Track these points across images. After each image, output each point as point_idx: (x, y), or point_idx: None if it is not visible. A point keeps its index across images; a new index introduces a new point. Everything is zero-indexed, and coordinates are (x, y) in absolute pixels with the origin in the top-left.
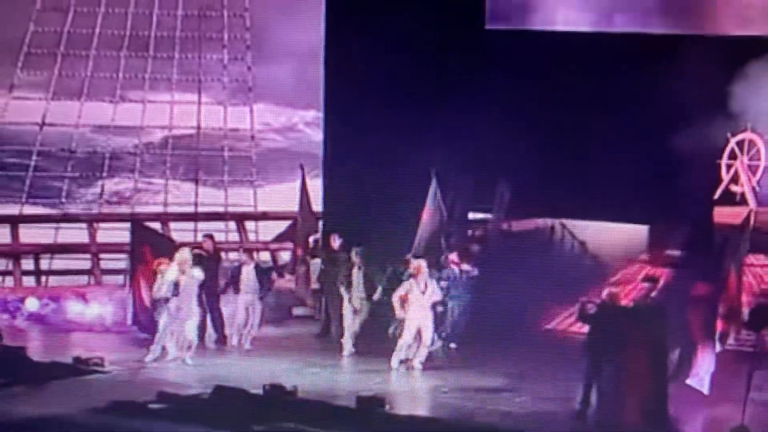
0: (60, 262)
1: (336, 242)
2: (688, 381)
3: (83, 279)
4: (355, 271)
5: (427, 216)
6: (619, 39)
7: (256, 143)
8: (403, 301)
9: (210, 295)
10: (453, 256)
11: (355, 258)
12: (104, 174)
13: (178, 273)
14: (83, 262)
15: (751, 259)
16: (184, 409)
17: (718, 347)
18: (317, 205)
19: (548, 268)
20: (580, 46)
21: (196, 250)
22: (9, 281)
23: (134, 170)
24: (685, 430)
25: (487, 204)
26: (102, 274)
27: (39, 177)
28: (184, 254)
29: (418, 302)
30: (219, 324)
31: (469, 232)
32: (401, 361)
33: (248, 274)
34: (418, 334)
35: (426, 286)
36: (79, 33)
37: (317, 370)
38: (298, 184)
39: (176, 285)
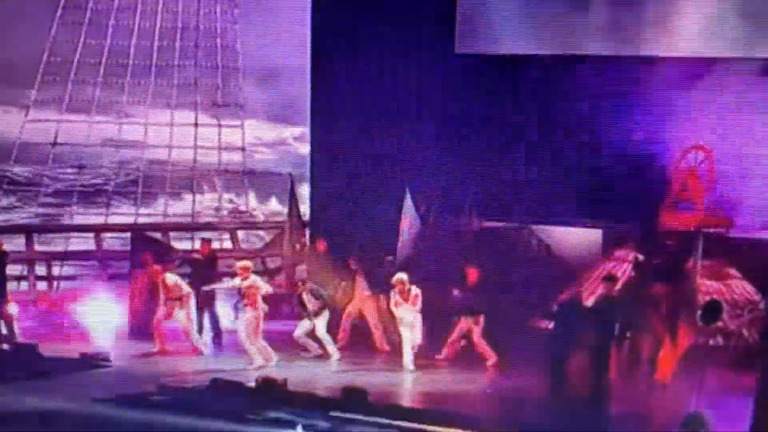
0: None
1: (321, 246)
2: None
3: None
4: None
5: (405, 225)
6: (579, 61)
7: (248, 156)
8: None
9: (207, 297)
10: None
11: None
12: (110, 187)
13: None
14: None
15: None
16: (184, 400)
17: (678, 341)
18: (304, 212)
19: (518, 270)
20: (543, 68)
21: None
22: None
23: (137, 182)
24: (648, 416)
25: (458, 212)
26: (109, 279)
27: (51, 190)
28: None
29: (405, 308)
30: (215, 323)
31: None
32: None
33: (309, 299)
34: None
35: (409, 293)
36: (88, 61)
37: (305, 364)
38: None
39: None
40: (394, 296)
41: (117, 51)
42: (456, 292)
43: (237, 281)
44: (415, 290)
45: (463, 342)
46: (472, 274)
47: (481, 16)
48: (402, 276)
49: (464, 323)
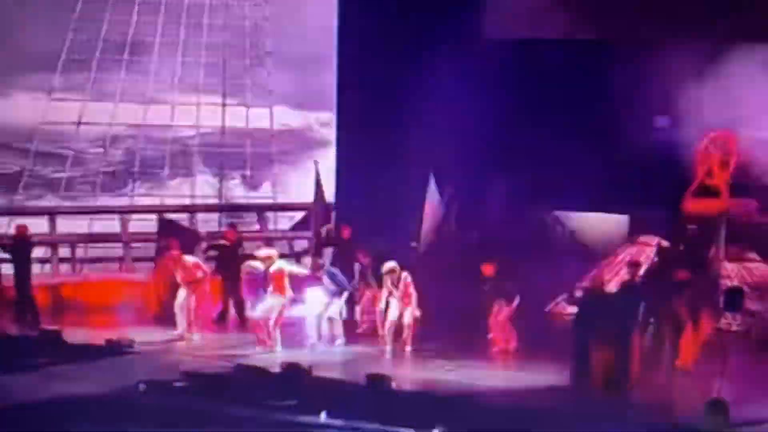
0: (94, 251)
1: (346, 233)
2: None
3: (115, 266)
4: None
5: (429, 210)
6: (605, 44)
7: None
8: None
9: (233, 281)
10: None
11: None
12: (136, 169)
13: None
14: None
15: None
16: (208, 386)
17: (700, 327)
18: (330, 198)
19: (543, 256)
20: (570, 52)
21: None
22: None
23: (163, 166)
24: (670, 402)
25: (483, 198)
26: (133, 262)
27: (74, 173)
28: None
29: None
30: (240, 307)
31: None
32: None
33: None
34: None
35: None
36: (113, 41)
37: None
38: (313, 178)
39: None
40: (387, 285)
41: (143, 31)
42: (490, 274)
43: (276, 265)
44: (406, 277)
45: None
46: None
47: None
48: (392, 264)
49: (496, 305)
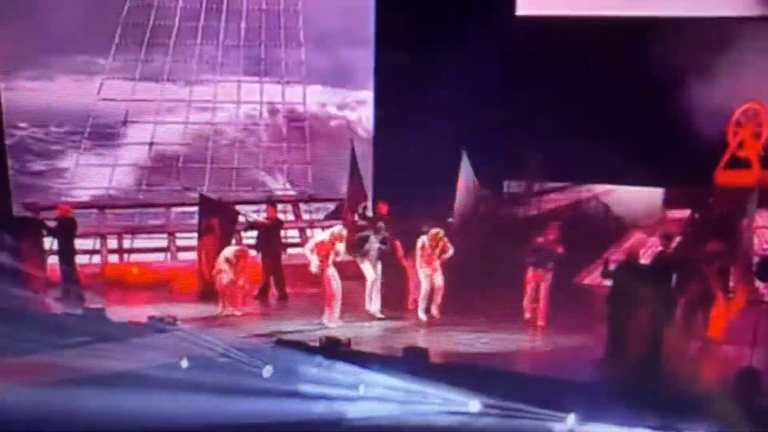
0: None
1: (384, 209)
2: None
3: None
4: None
5: (462, 186)
6: (635, 20)
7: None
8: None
9: (274, 258)
10: None
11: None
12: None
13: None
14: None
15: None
16: (248, 361)
17: (732, 297)
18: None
19: (577, 229)
20: (603, 28)
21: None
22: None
23: (207, 153)
24: (702, 373)
25: (519, 172)
26: (177, 251)
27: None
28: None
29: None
30: (281, 283)
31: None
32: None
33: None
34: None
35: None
36: (161, 24)
37: (368, 324)
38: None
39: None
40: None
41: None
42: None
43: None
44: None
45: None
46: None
47: None
48: (438, 231)
49: (533, 276)
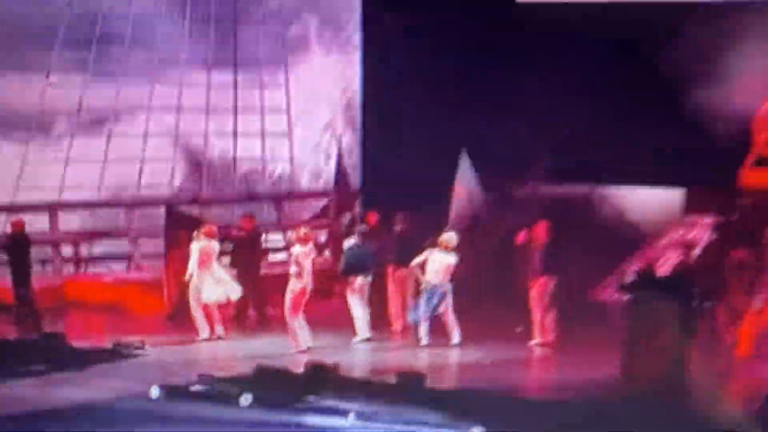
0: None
1: (373, 218)
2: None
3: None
4: None
5: (461, 192)
6: (651, 8)
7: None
8: (423, 268)
9: (253, 274)
10: None
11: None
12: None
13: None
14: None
15: None
16: (226, 389)
17: (762, 312)
18: (354, 183)
19: (589, 237)
20: (610, 17)
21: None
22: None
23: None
24: (726, 389)
25: (523, 174)
26: (141, 259)
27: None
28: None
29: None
30: (261, 303)
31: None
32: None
33: None
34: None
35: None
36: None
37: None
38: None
39: None
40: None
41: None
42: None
43: (298, 248)
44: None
45: None
46: (541, 232)
47: None
48: (451, 235)
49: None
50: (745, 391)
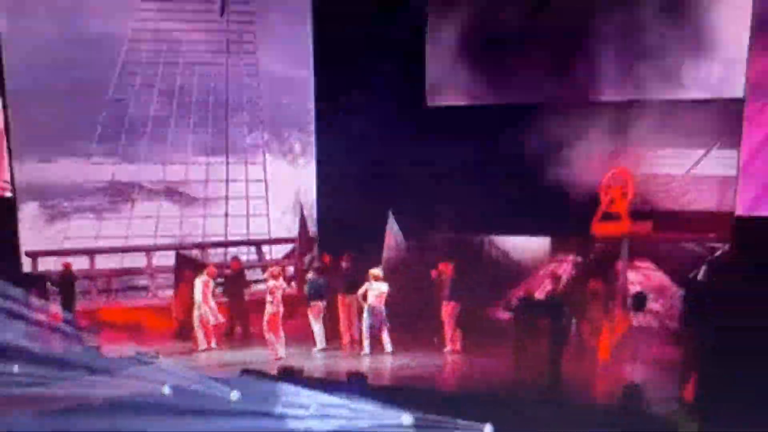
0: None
1: (327, 258)
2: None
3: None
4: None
5: (390, 240)
6: (527, 109)
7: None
8: (364, 295)
9: (239, 302)
10: None
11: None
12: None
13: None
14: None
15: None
16: (219, 388)
17: (614, 326)
18: (313, 231)
19: (483, 272)
20: (498, 115)
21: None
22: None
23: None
24: (594, 389)
25: (434, 226)
26: (157, 290)
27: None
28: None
29: (377, 292)
30: (245, 324)
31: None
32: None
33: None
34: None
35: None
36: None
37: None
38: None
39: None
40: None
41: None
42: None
43: (272, 282)
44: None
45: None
46: (448, 269)
47: (447, 75)
48: (378, 270)
49: (444, 308)
50: (607, 387)
